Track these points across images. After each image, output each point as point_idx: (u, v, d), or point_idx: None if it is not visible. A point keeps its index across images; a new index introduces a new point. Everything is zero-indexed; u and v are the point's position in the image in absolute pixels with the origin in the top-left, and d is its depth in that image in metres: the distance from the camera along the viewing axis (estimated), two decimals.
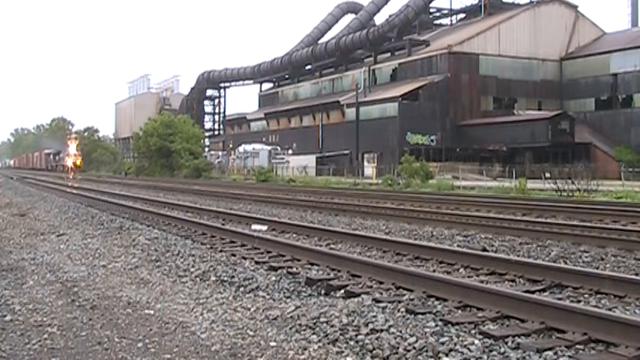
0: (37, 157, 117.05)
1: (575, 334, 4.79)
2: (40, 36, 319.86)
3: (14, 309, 6.08)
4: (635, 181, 35.84)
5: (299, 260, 8.41)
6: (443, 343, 4.62)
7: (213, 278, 7.43)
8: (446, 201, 20.03)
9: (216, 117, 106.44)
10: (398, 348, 4.58)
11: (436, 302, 5.96)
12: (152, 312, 5.96)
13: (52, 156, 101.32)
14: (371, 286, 6.75)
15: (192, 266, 8.18)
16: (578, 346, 4.64)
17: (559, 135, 52.09)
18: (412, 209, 16.91)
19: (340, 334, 4.97)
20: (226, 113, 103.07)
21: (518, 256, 8.94)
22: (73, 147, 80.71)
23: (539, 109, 60.61)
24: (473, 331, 5.05)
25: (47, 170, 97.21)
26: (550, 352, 4.46)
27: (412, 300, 6.06)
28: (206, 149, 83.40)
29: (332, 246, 10.01)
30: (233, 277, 7.39)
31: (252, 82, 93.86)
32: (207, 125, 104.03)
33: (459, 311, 5.68)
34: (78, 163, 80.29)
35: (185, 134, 65.48)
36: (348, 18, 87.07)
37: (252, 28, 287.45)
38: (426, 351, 4.50)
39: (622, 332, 4.58)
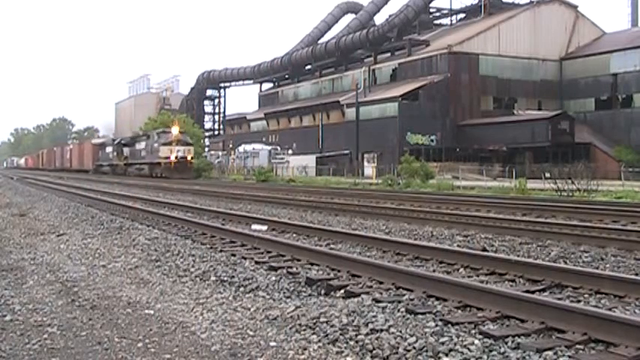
0: (71, 151, 78.71)
1: (575, 334, 4.79)
2: (41, 36, 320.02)
3: (14, 309, 6.08)
4: (635, 181, 35.85)
5: (299, 260, 8.41)
6: (443, 343, 4.62)
7: (213, 278, 7.42)
8: (446, 201, 20.02)
9: (216, 117, 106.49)
10: (398, 348, 4.58)
11: (436, 302, 5.96)
12: (152, 312, 5.96)
13: (112, 149, 60.78)
14: (371, 286, 6.75)
15: (192, 266, 8.18)
16: (578, 346, 4.64)
17: (559, 135, 52.12)
18: (412, 209, 16.90)
19: (340, 334, 4.97)
20: (226, 113, 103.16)
21: (518, 256, 8.93)
22: (175, 130, 49.74)
23: (539, 109, 60.63)
24: (473, 331, 5.05)
25: (99, 172, 63.04)
26: (550, 352, 4.46)
27: (412, 300, 6.06)
28: (206, 149, 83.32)
29: (332, 246, 10.01)
30: (233, 277, 7.39)
31: (252, 82, 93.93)
32: (207, 125, 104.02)
33: (459, 311, 5.68)
34: (190, 158, 49.21)
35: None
36: (348, 18, 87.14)
37: (252, 28, 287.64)
38: (426, 351, 4.50)
39: (622, 332, 4.58)
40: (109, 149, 62.62)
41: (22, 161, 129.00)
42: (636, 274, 7.41)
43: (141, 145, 54.21)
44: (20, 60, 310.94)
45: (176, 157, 47.66)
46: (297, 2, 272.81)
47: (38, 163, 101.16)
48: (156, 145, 49.72)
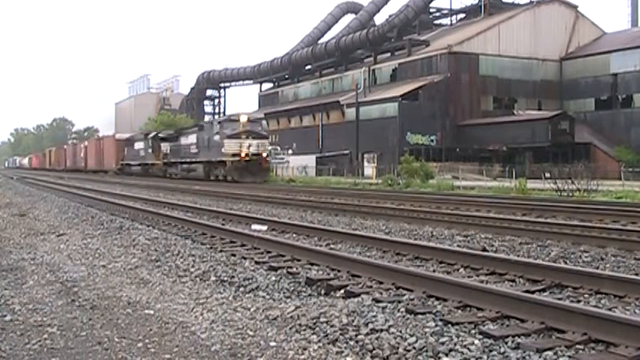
0: (86, 149, 66.73)
1: (575, 334, 4.79)
2: (40, 36, 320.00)
3: (14, 309, 6.08)
4: (635, 181, 35.86)
5: (299, 260, 8.41)
6: (443, 343, 4.62)
7: (213, 278, 7.42)
8: (446, 201, 20.01)
9: (217, 117, 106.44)
10: (398, 348, 4.58)
11: (436, 302, 5.96)
12: (152, 312, 5.96)
13: (144, 145, 50.61)
14: (371, 286, 6.74)
15: (192, 266, 8.17)
16: (578, 346, 4.64)
17: (559, 135, 52.15)
18: (412, 209, 16.89)
19: (340, 334, 4.97)
20: (226, 113, 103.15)
21: (518, 256, 8.93)
22: (244, 118, 37.87)
23: (539, 109, 60.65)
24: (473, 331, 5.04)
25: (126, 174, 53.56)
26: (550, 352, 4.46)
27: (412, 300, 6.06)
28: None
29: (332, 246, 10.01)
30: (233, 277, 7.39)
31: (252, 82, 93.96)
32: None
33: (459, 311, 5.68)
34: (265, 155, 37.99)
35: None
36: (348, 18, 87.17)
37: (252, 28, 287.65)
38: (426, 351, 4.50)
39: (622, 332, 4.57)
40: (139, 145, 51.73)
41: (25, 161, 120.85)
42: (636, 274, 7.40)
43: (189, 139, 42.53)
44: (20, 60, 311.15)
45: (247, 154, 36.27)
46: (297, 2, 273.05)
47: (45, 162, 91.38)
48: (217, 137, 37.62)
